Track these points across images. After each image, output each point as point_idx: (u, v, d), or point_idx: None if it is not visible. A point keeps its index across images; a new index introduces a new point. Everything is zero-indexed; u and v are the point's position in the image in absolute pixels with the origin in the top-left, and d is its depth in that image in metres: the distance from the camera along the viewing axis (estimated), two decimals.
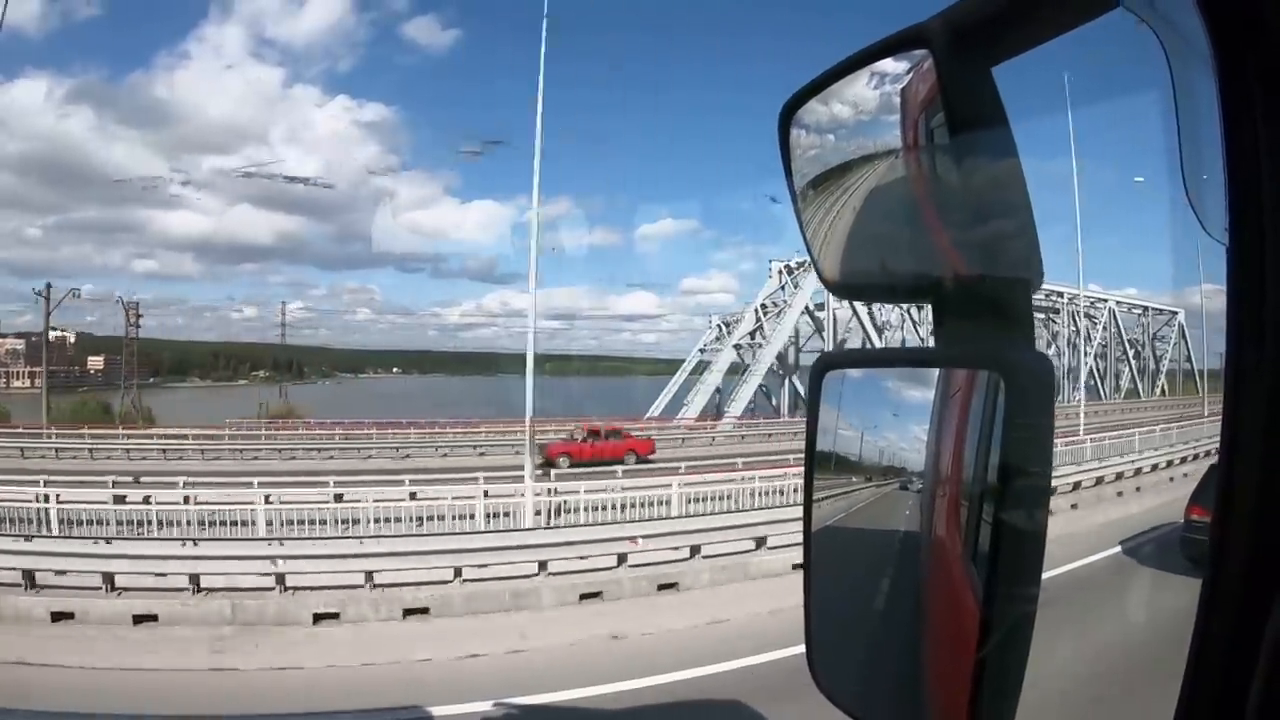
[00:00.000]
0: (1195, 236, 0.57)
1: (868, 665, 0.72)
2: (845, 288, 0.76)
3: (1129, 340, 51.85)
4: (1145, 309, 54.17)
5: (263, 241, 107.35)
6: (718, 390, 40.69)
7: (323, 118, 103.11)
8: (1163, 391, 52.24)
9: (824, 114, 0.72)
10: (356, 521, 12.49)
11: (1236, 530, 0.63)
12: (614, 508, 13.59)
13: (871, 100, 0.68)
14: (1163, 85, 0.60)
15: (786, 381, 41.47)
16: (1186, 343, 52.68)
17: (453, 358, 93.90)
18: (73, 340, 65.89)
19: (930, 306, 0.71)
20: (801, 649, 0.73)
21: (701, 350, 44.00)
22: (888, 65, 0.66)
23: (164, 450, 25.86)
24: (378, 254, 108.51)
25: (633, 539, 10.77)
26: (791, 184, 0.75)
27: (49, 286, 39.47)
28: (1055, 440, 0.61)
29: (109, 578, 9.12)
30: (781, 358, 41.11)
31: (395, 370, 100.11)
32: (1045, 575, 0.58)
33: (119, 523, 12.11)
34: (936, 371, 0.65)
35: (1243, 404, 0.62)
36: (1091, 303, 48.30)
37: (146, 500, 13.57)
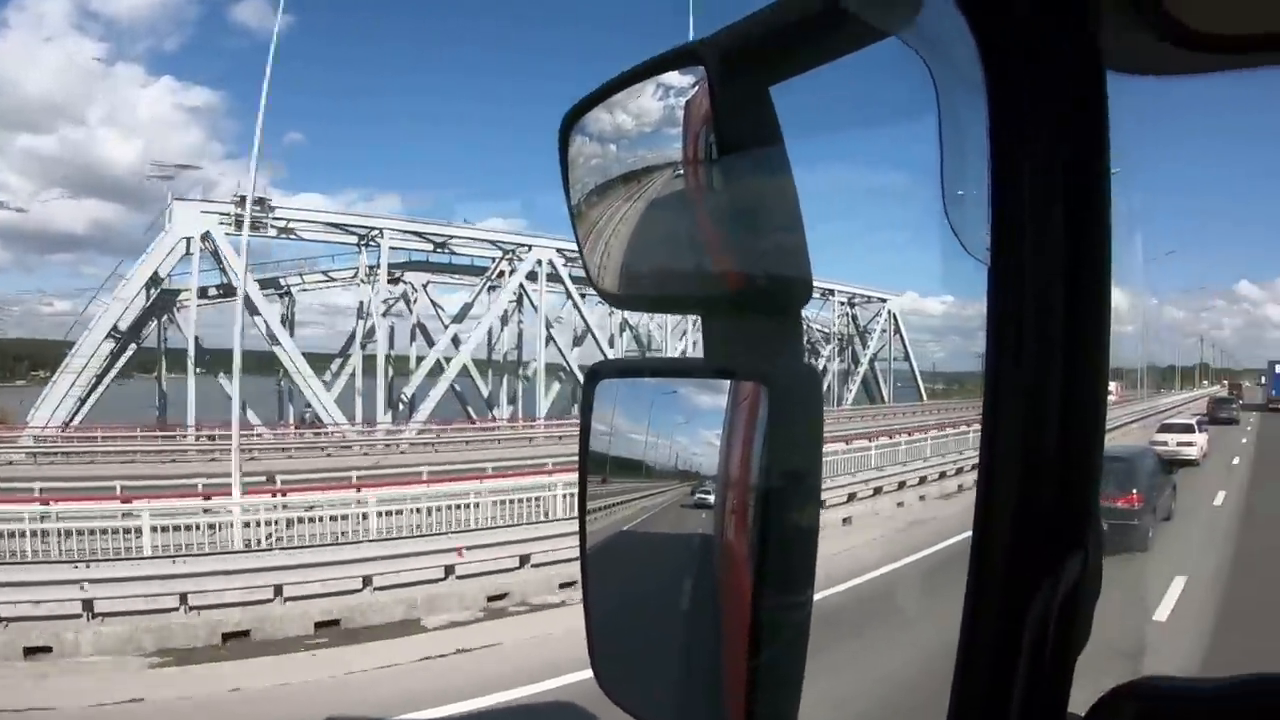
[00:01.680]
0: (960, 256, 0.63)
1: (657, 670, 0.72)
2: (620, 298, 0.75)
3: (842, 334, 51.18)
4: (852, 298, 53.26)
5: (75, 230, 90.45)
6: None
7: (145, 99, 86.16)
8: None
9: (607, 124, 0.70)
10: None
11: (996, 536, 0.67)
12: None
13: (655, 112, 0.67)
14: (932, 111, 0.63)
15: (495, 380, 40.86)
16: (903, 338, 54.30)
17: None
18: None
19: (701, 318, 0.73)
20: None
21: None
22: (673, 78, 0.66)
23: None
24: None
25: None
26: (569, 192, 0.72)
27: None
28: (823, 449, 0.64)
29: None
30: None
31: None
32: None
33: None
34: (725, 381, 0.66)
35: (1001, 417, 0.66)
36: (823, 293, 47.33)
37: None
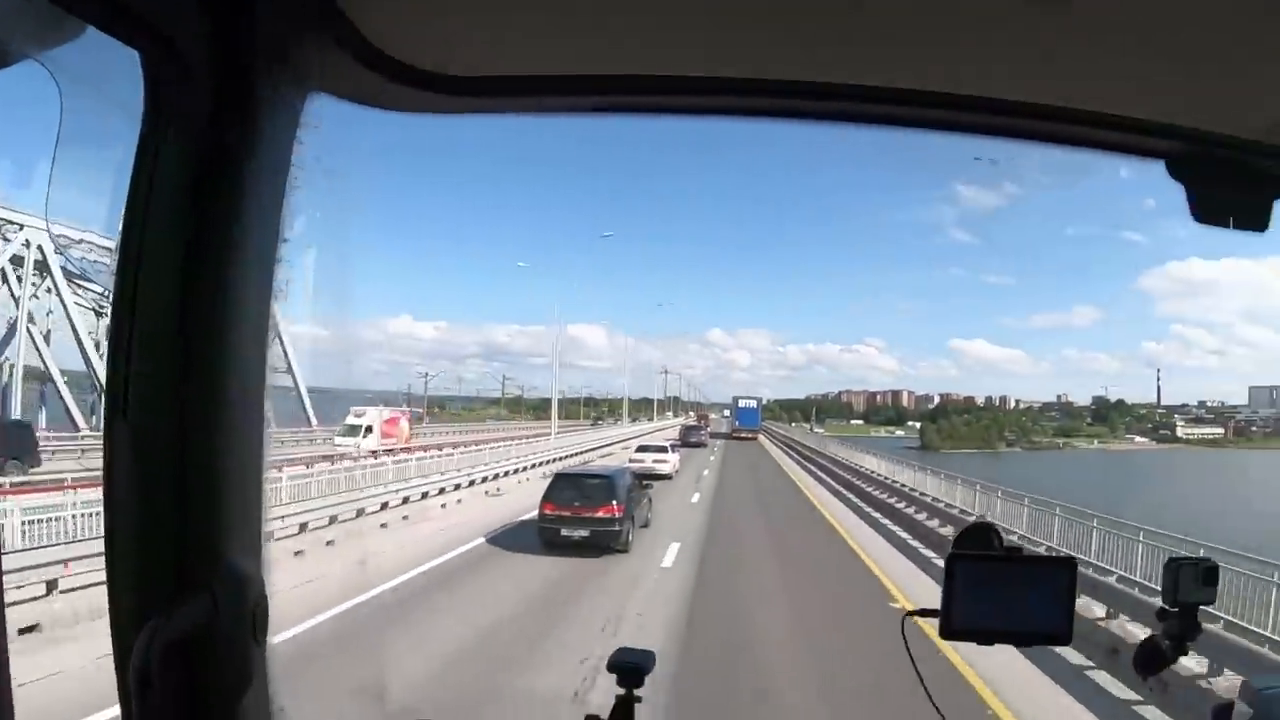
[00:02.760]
0: None
1: None
2: None
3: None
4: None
5: None
6: None
7: None
8: None
9: None
10: None
11: (120, 580, 0.70)
12: None
13: None
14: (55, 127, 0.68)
15: None
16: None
17: None
18: None
19: None
20: None
21: None
22: None
23: None
24: None
25: None
26: None
27: None
28: None
29: None
30: None
31: None
32: None
33: None
34: None
35: (116, 446, 0.68)
36: None
37: None
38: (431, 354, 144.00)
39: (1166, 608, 1.22)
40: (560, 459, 26.68)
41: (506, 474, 22.81)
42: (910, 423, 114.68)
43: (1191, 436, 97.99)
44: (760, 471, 32.11)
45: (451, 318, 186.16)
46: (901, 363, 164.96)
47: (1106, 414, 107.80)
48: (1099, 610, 8.80)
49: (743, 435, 57.73)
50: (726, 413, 73.60)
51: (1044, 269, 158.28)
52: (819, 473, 30.85)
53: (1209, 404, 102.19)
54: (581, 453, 30.85)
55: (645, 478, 17.75)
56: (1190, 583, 1.21)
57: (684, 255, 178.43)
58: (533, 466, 24.84)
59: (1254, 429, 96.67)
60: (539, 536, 13.27)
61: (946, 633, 1.06)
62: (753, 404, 65.64)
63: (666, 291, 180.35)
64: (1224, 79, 0.88)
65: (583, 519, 12.98)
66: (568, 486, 13.57)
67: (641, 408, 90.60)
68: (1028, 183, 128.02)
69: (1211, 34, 0.80)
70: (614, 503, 13.07)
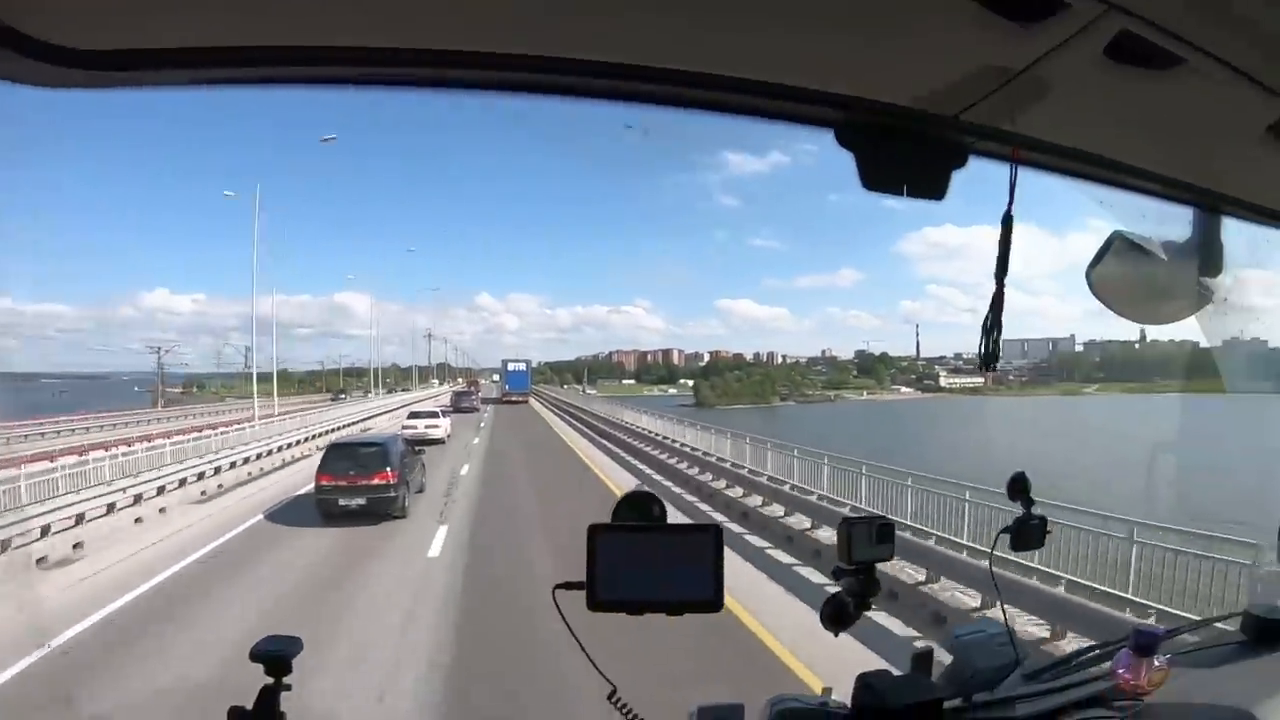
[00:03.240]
0: None
1: None
2: None
3: None
4: None
5: None
6: None
7: None
8: None
9: None
10: None
11: None
12: None
13: None
14: None
15: None
16: None
17: None
18: None
19: None
20: None
21: None
22: None
23: None
24: None
25: None
26: None
27: None
28: None
29: None
30: None
31: None
32: None
33: None
34: None
35: None
36: None
37: None
38: (191, 329, 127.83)
39: (843, 566, 1.25)
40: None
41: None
42: (683, 380, 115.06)
43: (954, 385, 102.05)
44: (531, 432, 33.15)
45: (211, 289, 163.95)
46: (669, 322, 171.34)
47: (872, 366, 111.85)
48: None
49: (513, 399, 57.03)
50: (495, 378, 71.82)
51: (809, 233, 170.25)
52: (591, 433, 30.52)
53: (965, 356, 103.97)
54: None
55: (418, 443, 18.45)
56: (865, 541, 1.24)
57: (447, 215, 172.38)
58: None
59: (1010, 378, 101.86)
60: (317, 509, 13.40)
61: (592, 604, 1.04)
62: (521, 367, 64.19)
63: (430, 256, 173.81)
64: (878, 47, 0.90)
65: (359, 487, 13.33)
66: (342, 457, 13.84)
67: (412, 376, 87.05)
68: (793, 151, 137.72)
69: (860, 5, 0.81)
70: (388, 469, 13.58)
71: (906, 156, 1.05)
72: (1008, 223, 1.08)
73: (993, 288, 1.08)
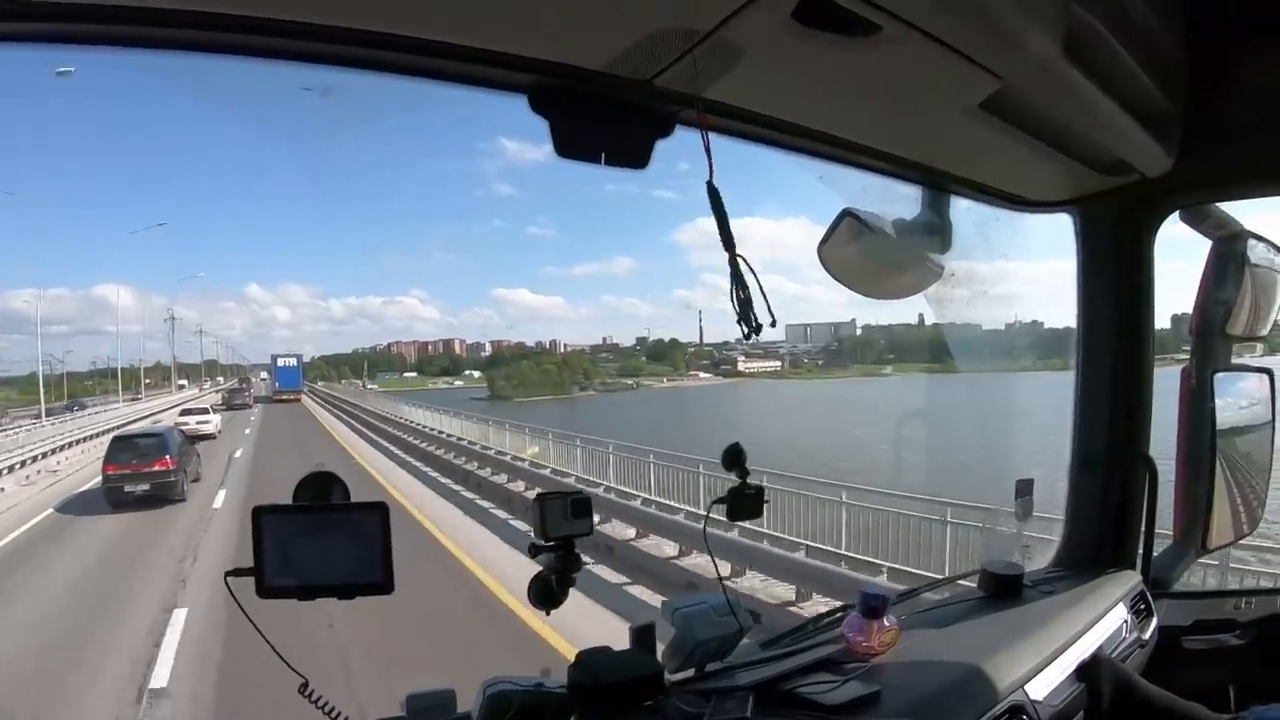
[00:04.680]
0: None
1: None
2: None
3: None
4: None
5: None
6: None
7: None
8: None
9: None
10: None
11: None
12: None
13: None
14: None
15: None
16: None
17: None
18: None
19: None
20: None
21: None
22: None
23: None
24: None
25: None
26: None
27: None
28: None
29: None
30: None
31: None
32: None
33: None
34: None
35: None
36: None
37: None
38: None
39: (540, 543, 1.19)
40: None
41: None
42: (468, 371, 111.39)
43: (752, 370, 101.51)
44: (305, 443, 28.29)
45: None
46: (445, 313, 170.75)
47: (666, 353, 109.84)
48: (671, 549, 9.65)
49: (285, 398, 52.78)
50: (264, 375, 66.59)
51: (586, 222, 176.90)
52: (381, 440, 25.95)
53: (745, 342, 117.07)
54: None
55: (191, 438, 19.96)
56: (560, 516, 1.18)
57: (205, 196, 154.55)
58: None
59: (805, 361, 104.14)
60: (105, 498, 14.90)
61: (262, 591, 0.96)
62: (293, 362, 59.84)
63: (191, 248, 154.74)
64: (569, 8, 0.86)
65: (143, 474, 15.03)
66: (124, 449, 15.61)
67: (185, 374, 77.51)
68: None
69: None
70: (168, 456, 15.47)
71: (602, 123, 1.03)
72: (714, 193, 1.00)
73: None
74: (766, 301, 1.00)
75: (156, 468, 15.32)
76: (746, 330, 1.01)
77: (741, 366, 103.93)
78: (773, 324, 1.02)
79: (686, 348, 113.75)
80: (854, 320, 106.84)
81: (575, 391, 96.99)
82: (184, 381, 76.54)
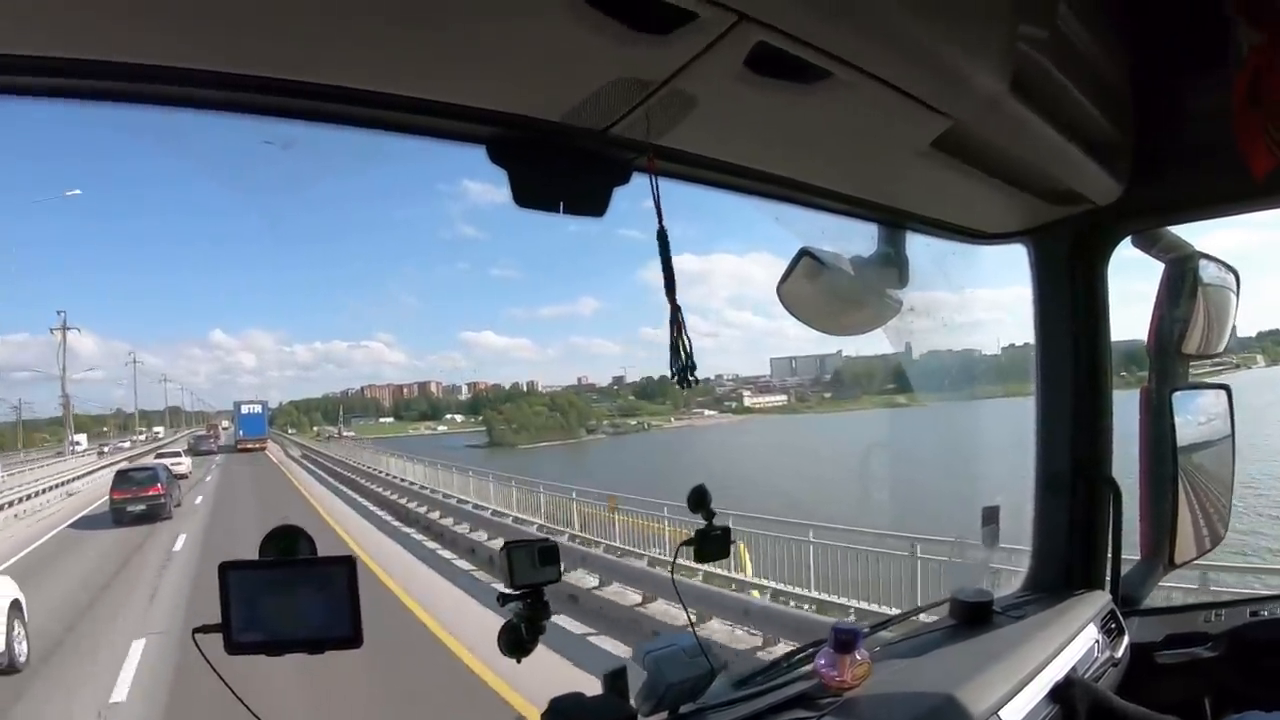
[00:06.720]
0: None
1: None
2: None
3: None
4: None
5: None
6: None
7: None
8: None
9: None
10: None
11: None
12: None
13: None
14: None
15: None
16: None
17: None
18: None
19: None
20: None
21: None
22: None
23: None
24: None
25: None
26: None
27: None
28: None
29: None
30: None
31: None
32: None
33: None
34: None
35: None
36: None
37: None
38: None
39: (509, 592, 1.18)
40: None
41: None
42: (450, 415, 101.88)
43: (760, 405, 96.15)
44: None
45: None
46: (411, 356, 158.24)
47: (659, 390, 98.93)
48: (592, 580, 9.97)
49: (249, 446, 50.39)
50: (226, 424, 63.12)
51: (550, 263, 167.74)
52: (373, 506, 19.76)
53: (725, 376, 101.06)
54: None
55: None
56: (528, 564, 1.18)
57: (171, 241, 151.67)
58: None
59: (811, 394, 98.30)
60: (112, 516, 18.33)
61: (230, 647, 0.95)
62: (257, 409, 57.24)
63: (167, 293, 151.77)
64: (523, 62, 0.88)
65: (141, 497, 18.81)
66: (125, 481, 19.50)
67: (152, 420, 72.00)
68: None
69: (502, 21, 0.80)
70: (159, 484, 19.45)
71: (560, 172, 1.05)
72: (663, 238, 1.03)
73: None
74: (690, 350, 1.04)
75: (150, 493, 19.14)
76: (679, 371, 1.03)
77: (748, 401, 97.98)
78: (694, 375, 1.04)
79: (670, 386, 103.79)
80: (839, 351, 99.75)
81: (583, 435, 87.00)
82: (79, 439, 52.69)
